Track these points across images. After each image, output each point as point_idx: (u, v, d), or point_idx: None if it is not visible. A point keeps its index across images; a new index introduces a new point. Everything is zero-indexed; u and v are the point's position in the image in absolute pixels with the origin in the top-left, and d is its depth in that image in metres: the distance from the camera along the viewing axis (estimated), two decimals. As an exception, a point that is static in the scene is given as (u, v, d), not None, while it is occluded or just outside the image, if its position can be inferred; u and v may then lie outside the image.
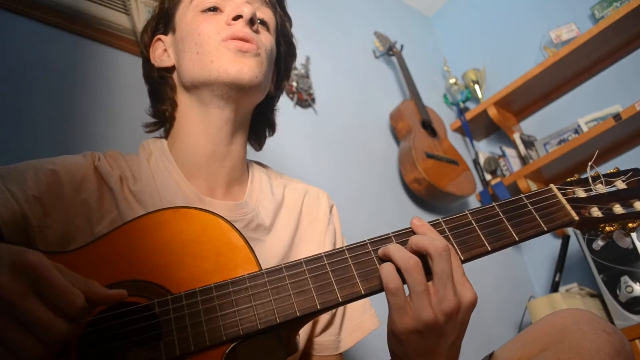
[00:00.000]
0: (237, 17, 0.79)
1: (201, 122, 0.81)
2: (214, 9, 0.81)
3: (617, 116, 1.87)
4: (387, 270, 0.57)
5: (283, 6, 0.93)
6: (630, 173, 0.68)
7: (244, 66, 0.76)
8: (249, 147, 0.91)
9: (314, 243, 0.88)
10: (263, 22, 0.84)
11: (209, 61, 0.76)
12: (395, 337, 0.59)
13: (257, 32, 0.81)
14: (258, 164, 0.94)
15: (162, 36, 0.87)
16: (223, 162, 0.82)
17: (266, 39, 0.83)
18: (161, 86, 0.86)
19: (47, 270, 0.44)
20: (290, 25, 0.95)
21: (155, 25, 0.88)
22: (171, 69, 0.85)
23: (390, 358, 0.65)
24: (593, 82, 2.21)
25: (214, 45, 0.77)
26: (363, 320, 0.88)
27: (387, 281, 0.57)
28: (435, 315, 0.56)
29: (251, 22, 0.79)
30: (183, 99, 0.84)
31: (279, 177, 0.94)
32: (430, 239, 0.58)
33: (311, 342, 0.87)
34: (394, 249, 0.59)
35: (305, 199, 0.92)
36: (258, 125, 0.92)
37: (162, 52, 0.86)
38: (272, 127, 0.96)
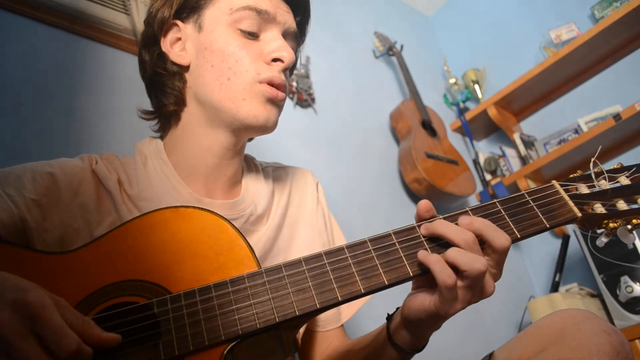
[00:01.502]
0: (276, 59, 0.77)
1: (206, 138, 0.79)
2: (253, 35, 0.78)
3: (617, 116, 1.86)
4: (442, 266, 0.57)
5: (306, 31, 0.91)
6: (634, 169, 0.67)
7: (272, 116, 0.77)
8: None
9: (306, 223, 0.89)
10: None
11: (240, 98, 0.75)
12: (438, 317, 0.61)
13: (287, 75, 0.81)
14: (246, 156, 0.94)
15: (180, 22, 0.80)
16: (225, 171, 0.82)
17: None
18: (168, 79, 0.80)
19: (46, 311, 0.45)
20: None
21: (180, 8, 0.80)
22: (184, 66, 0.80)
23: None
24: (593, 82, 2.21)
25: (250, 83, 0.75)
26: None
27: (446, 278, 0.56)
28: (477, 299, 0.60)
29: (285, 68, 0.78)
30: (192, 107, 0.80)
31: (262, 164, 0.95)
32: (500, 234, 0.59)
33: (315, 320, 0.89)
34: (456, 233, 0.59)
35: (292, 180, 0.93)
36: None
37: (176, 41, 0.80)
38: None
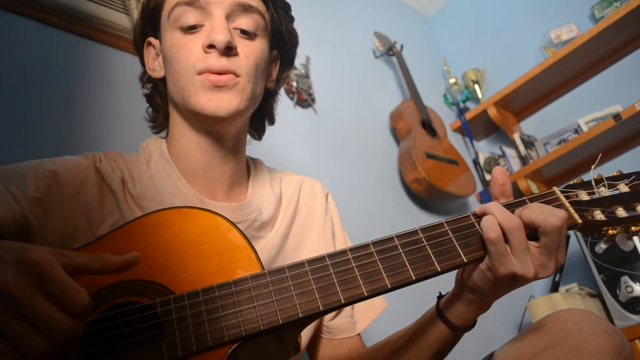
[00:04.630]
0: (211, 46, 0.74)
1: (190, 138, 0.80)
2: (193, 28, 0.76)
3: (617, 116, 1.87)
4: (488, 221, 0.60)
5: None
6: (634, 177, 0.68)
7: (221, 103, 0.74)
8: (249, 138, 0.91)
9: (313, 234, 0.89)
10: (246, 32, 0.78)
11: (187, 95, 0.75)
12: (493, 278, 0.62)
13: (236, 54, 0.75)
14: (253, 159, 0.94)
15: (152, 39, 0.84)
16: (222, 169, 0.82)
17: (250, 51, 0.77)
18: (155, 93, 0.86)
19: (52, 267, 0.44)
20: (289, 10, 0.89)
21: (142, 28, 0.84)
22: (164, 79, 0.83)
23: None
24: (593, 82, 2.21)
25: (190, 78, 0.74)
26: (373, 300, 0.90)
27: (488, 230, 0.59)
28: (534, 273, 0.60)
29: (227, 49, 0.74)
30: (173, 113, 0.83)
31: (273, 171, 0.94)
32: (545, 215, 0.59)
33: (321, 326, 0.88)
34: (496, 209, 0.61)
35: (301, 190, 0.93)
36: (257, 117, 0.91)
37: (155, 58, 0.84)
38: (271, 119, 0.95)
